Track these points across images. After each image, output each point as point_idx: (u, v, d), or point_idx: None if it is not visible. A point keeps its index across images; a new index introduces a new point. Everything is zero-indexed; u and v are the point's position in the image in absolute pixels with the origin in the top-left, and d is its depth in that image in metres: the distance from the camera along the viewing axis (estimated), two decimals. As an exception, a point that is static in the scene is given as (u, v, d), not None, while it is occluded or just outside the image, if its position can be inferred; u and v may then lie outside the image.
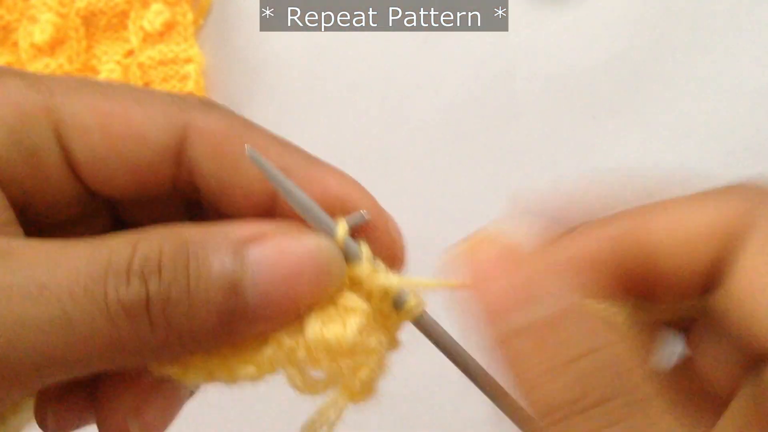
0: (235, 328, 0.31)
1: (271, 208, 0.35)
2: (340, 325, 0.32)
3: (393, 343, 0.35)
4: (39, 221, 0.35)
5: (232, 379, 0.33)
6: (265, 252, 0.30)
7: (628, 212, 0.35)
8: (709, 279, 0.33)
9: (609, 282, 0.34)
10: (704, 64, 0.75)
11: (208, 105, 0.35)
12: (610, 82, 0.76)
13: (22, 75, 0.34)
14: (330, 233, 0.33)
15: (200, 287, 0.29)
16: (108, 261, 0.29)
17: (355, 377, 0.33)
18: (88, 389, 0.35)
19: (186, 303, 0.29)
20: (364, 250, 0.33)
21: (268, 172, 0.33)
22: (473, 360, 0.34)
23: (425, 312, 0.34)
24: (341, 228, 0.33)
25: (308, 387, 0.34)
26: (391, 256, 0.35)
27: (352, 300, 0.33)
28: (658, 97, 0.75)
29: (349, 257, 0.33)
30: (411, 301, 0.34)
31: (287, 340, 0.32)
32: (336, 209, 0.34)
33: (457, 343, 0.34)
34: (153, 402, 0.35)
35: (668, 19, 0.77)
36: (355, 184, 0.35)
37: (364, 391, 0.34)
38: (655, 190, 0.36)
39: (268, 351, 0.33)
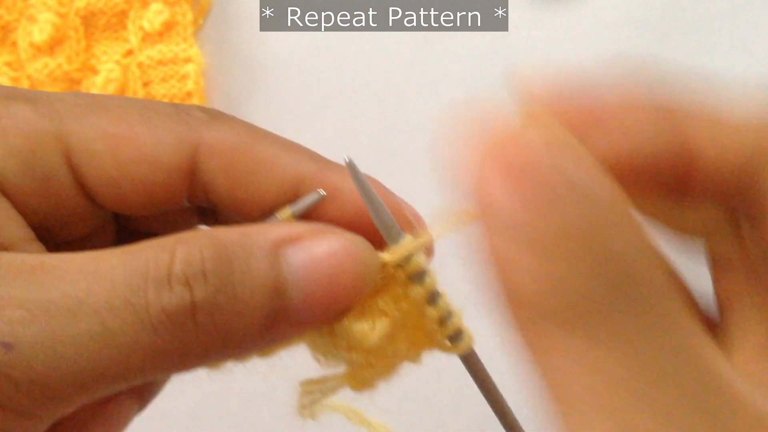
0: (279, 329, 0.30)
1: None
2: (369, 324, 0.33)
3: (416, 359, 0.36)
4: (50, 239, 0.35)
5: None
6: (304, 252, 0.30)
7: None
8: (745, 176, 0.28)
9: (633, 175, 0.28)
10: (704, 63, 0.75)
11: (214, 117, 0.35)
12: (610, 82, 0.76)
13: (32, 101, 0.34)
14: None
15: (246, 291, 0.29)
16: (146, 269, 0.29)
17: (360, 372, 0.34)
18: None
19: (233, 307, 0.29)
20: (430, 277, 0.33)
21: (360, 183, 0.33)
22: (510, 409, 0.34)
23: (474, 351, 0.34)
24: (409, 241, 0.33)
25: (327, 363, 0.35)
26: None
27: (387, 305, 0.33)
28: (658, 97, 0.75)
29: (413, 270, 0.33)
30: (466, 340, 0.34)
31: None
32: (363, 214, 0.34)
33: (497, 389, 0.34)
34: (99, 420, 0.35)
35: (668, 19, 0.77)
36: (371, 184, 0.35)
37: (364, 386, 0.35)
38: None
39: None
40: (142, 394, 0.37)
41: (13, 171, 0.32)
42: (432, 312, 0.33)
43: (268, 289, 0.30)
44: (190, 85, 0.75)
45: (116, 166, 0.33)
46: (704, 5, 0.76)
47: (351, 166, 0.33)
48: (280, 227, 0.31)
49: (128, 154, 0.33)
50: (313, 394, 0.35)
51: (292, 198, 0.34)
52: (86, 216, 0.35)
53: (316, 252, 0.31)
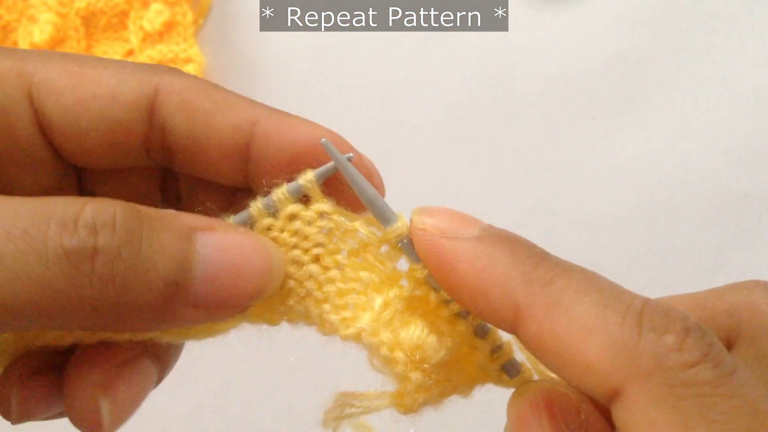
0: (176, 306, 0.31)
1: (245, 163, 0.35)
2: (439, 340, 0.33)
3: (467, 392, 0.35)
4: (9, 188, 0.35)
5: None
6: (215, 239, 0.32)
7: None
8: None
9: None
10: (704, 64, 0.75)
11: (176, 70, 0.37)
12: (610, 82, 0.76)
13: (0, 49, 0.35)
14: (392, 224, 0.33)
15: (151, 253, 0.30)
16: (52, 210, 0.29)
17: (413, 393, 0.33)
18: (56, 372, 0.35)
19: (135, 265, 0.29)
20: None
21: (339, 162, 0.34)
22: None
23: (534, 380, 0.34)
24: (402, 222, 0.33)
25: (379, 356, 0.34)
26: (374, 185, 0.35)
27: (448, 329, 0.33)
28: (658, 97, 0.75)
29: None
30: (526, 372, 0.34)
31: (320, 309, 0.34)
32: (310, 153, 0.35)
33: None
34: (123, 379, 0.34)
35: (668, 19, 0.77)
36: (322, 128, 0.36)
37: (411, 408, 0.34)
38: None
39: (296, 306, 0.34)
40: (159, 357, 0.37)
41: None
42: (483, 344, 0.33)
43: (174, 259, 0.30)
44: (190, 85, 0.76)
45: (77, 101, 0.34)
46: (704, 5, 0.76)
47: (326, 146, 0.33)
48: (197, 216, 0.32)
49: (89, 89, 0.34)
50: (349, 407, 0.34)
51: (245, 138, 0.35)
52: (44, 164, 0.35)
53: (226, 240, 0.32)
